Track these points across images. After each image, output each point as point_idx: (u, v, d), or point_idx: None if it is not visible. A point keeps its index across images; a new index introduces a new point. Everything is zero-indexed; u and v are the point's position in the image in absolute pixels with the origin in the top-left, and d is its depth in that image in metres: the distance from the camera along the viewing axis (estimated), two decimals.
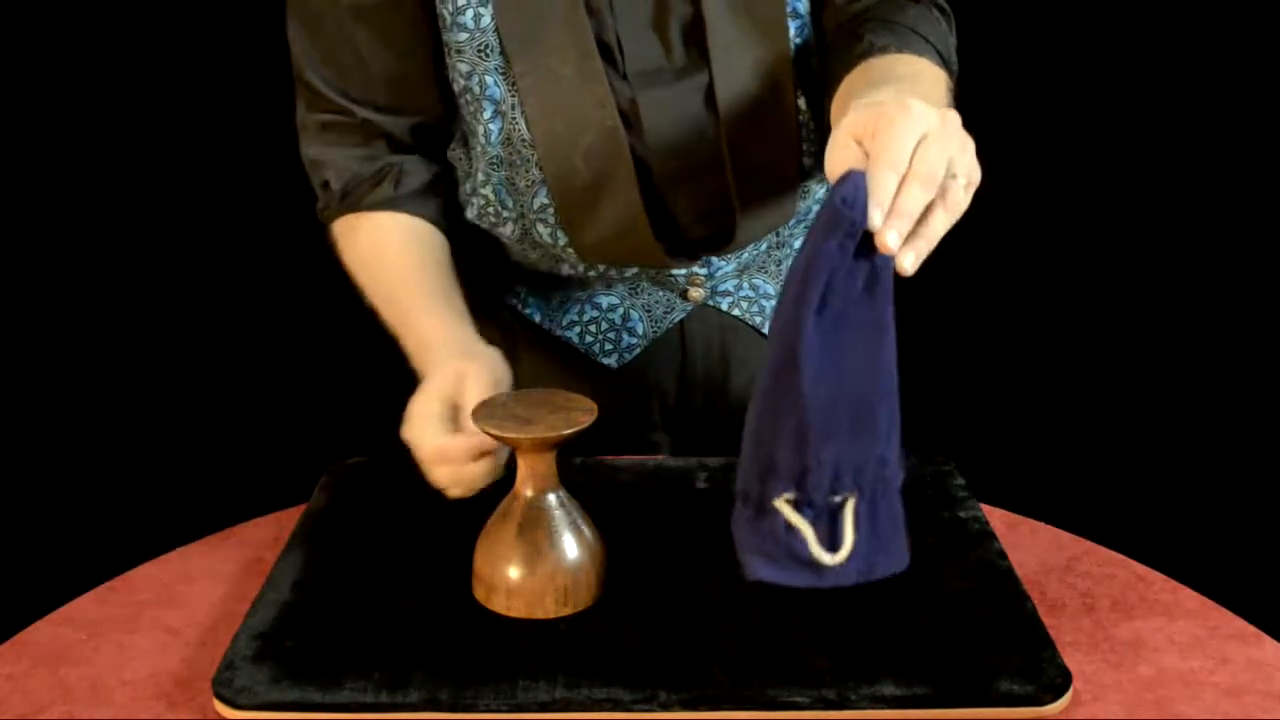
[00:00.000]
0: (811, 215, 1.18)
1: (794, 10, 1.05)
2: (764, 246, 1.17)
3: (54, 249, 1.92)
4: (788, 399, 0.78)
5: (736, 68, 1.04)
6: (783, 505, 0.80)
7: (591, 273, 1.14)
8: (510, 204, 1.09)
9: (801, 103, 1.07)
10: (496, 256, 1.19)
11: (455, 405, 0.91)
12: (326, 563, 0.95)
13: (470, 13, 1.02)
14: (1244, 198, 1.94)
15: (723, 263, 1.16)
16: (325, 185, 1.11)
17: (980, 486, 1.06)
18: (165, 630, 0.92)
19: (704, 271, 1.16)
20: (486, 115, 1.05)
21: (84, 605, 0.95)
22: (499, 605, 0.88)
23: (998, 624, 0.87)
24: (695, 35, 1.04)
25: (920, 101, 0.77)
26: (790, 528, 0.81)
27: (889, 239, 0.75)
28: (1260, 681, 0.85)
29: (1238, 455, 1.99)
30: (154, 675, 0.87)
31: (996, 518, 1.04)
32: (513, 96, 1.04)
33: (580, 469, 1.07)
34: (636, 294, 1.18)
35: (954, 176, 0.77)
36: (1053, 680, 0.82)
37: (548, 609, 0.88)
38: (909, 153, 0.76)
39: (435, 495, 1.03)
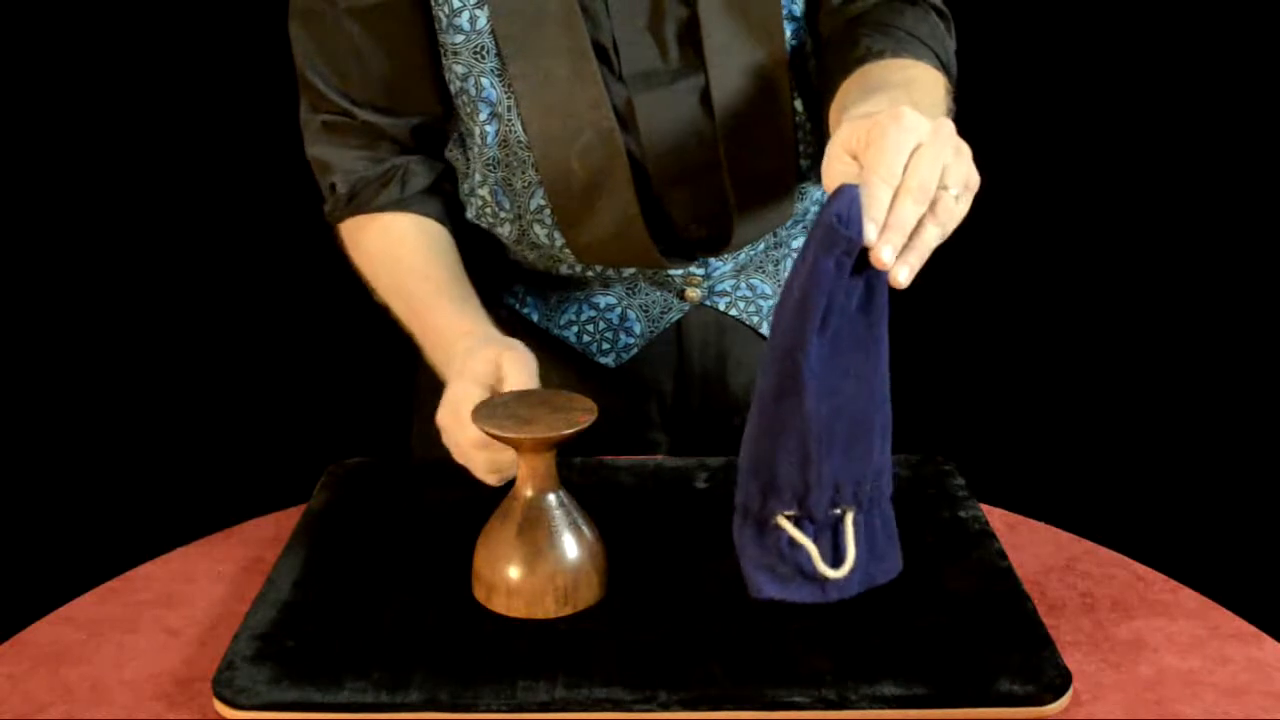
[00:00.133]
0: (809, 216, 1.18)
1: (790, 13, 1.05)
2: (761, 247, 1.17)
3: (54, 249, 1.92)
4: (790, 419, 0.79)
5: (732, 70, 1.04)
6: (784, 523, 0.81)
7: (589, 273, 1.14)
8: (507, 205, 1.09)
9: (798, 105, 1.07)
10: (495, 256, 1.19)
11: (495, 392, 0.91)
12: (326, 563, 0.95)
13: (466, 15, 1.02)
14: (1244, 198, 1.94)
15: (720, 263, 1.16)
16: (332, 188, 1.11)
17: (980, 486, 1.06)
18: (165, 630, 0.92)
19: (701, 272, 1.16)
20: (483, 117, 1.05)
21: (84, 605, 0.95)
22: (499, 605, 0.88)
23: (998, 624, 0.87)
24: (691, 37, 1.04)
25: (912, 110, 0.77)
26: (794, 544, 0.81)
27: (884, 254, 0.75)
28: (1260, 681, 0.85)
29: (1238, 455, 1.99)
30: (154, 675, 0.87)
31: (996, 518, 1.04)
32: (509, 98, 1.04)
33: (580, 469, 1.07)
34: (634, 294, 1.18)
35: (945, 188, 0.76)
36: (1052, 680, 0.82)
37: (548, 609, 0.88)
38: (902, 164, 0.75)
39: (435, 495, 1.04)
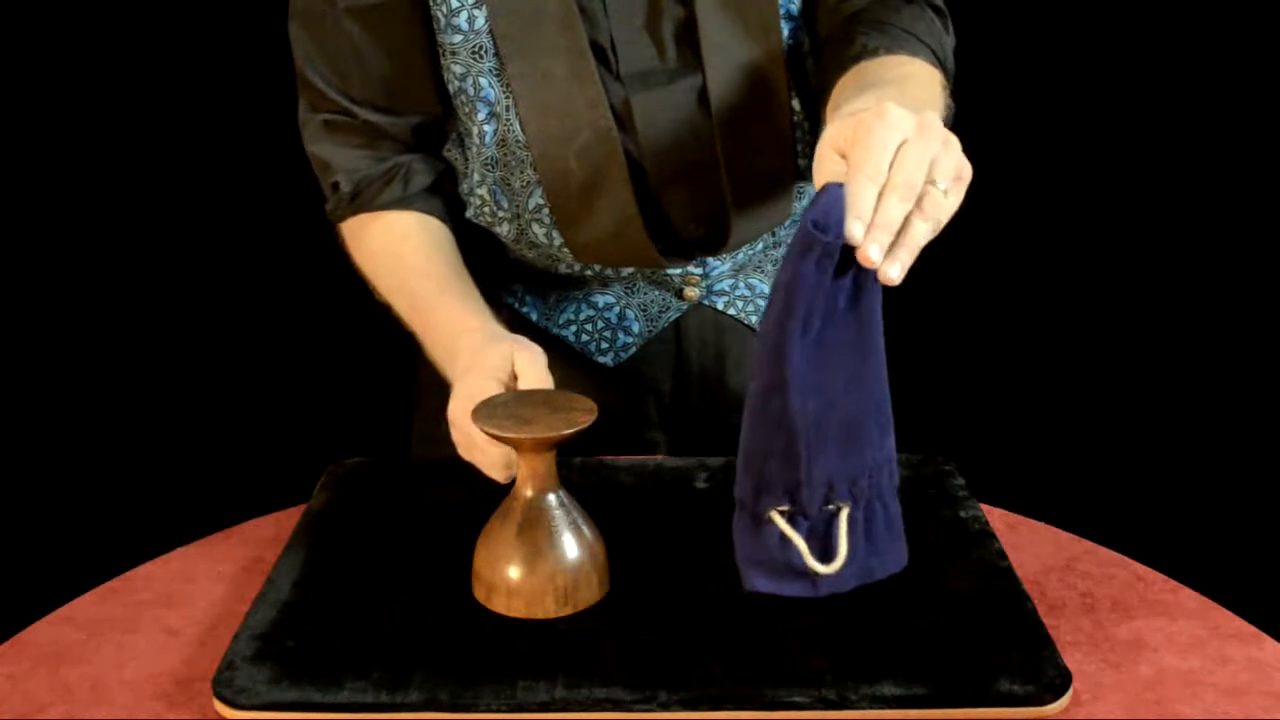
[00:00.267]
0: None
1: (787, 12, 1.05)
2: (759, 246, 1.17)
3: (55, 248, 1.92)
4: (776, 419, 0.79)
5: (729, 69, 1.04)
6: (777, 518, 0.81)
7: (588, 272, 1.14)
8: (506, 204, 1.09)
9: (796, 104, 1.07)
10: (494, 255, 1.19)
11: (508, 387, 0.91)
12: (326, 563, 0.95)
13: (464, 15, 1.02)
14: (1243, 198, 1.94)
15: (718, 262, 1.16)
16: (335, 187, 1.11)
17: (980, 486, 1.06)
18: (165, 630, 0.92)
19: (699, 271, 1.16)
20: (481, 116, 1.05)
21: (84, 605, 0.95)
22: (499, 605, 0.88)
23: (998, 624, 0.87)
24: (688, 36, 1.04)
25: (896, 106, 0.76)
26: (785, 539, 0.81)
27: (871, 253, 0.74)
28: (1260, 681, 0.85)
29: (1238, 455, 1.99)
30: (154, 675, 0.87)
31: (996, 518, 1.04)
32: (507, 98, 1.04)
33: (580, 469, 1.07)
34: (632, 293, 1.18)
35: (933, 183, 0.76)
36: (1052, 680, 0.82)
37: (548, 609, 0.88)
38: (888, 161, 0.75)
39: (435, 495, 1.04)
